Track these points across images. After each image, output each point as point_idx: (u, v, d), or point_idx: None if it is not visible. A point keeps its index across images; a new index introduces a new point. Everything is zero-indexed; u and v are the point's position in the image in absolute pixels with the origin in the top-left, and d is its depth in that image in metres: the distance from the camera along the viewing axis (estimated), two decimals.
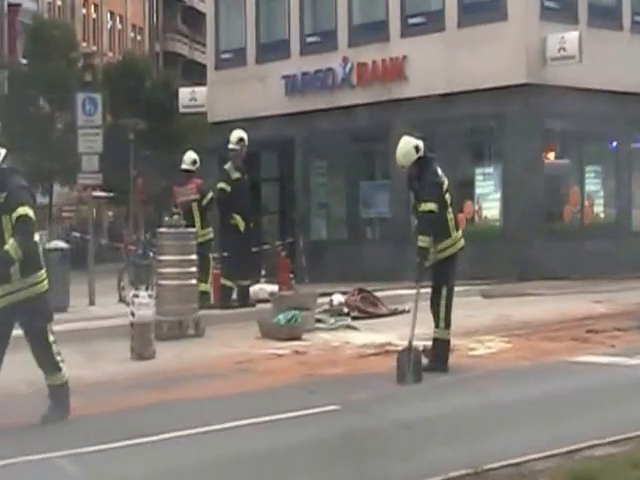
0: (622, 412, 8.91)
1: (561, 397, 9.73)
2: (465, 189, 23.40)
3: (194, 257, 15.18)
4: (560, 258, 22.14)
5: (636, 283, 20.60)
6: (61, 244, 18.97)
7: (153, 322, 13.32)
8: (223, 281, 17.05)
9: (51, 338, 9.10)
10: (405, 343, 10.86)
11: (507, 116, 23.19)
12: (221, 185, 17.22)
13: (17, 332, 9.19)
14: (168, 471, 7.53)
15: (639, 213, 25.72)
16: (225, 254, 17.21)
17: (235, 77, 28.37)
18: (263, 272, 20.42)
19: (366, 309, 16.78)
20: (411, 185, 11.38)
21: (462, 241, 11.42)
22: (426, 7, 25.41)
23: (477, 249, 18.36)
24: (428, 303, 11.20)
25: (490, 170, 24.11)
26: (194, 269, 15.14)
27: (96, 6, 57.03)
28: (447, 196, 11.23)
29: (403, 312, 16.18)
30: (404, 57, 24.80)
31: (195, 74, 50.23)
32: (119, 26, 59.73)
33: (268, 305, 16.27)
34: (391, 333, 13.96)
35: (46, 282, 9.09)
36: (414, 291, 11.04)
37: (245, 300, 17.08)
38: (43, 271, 9.09)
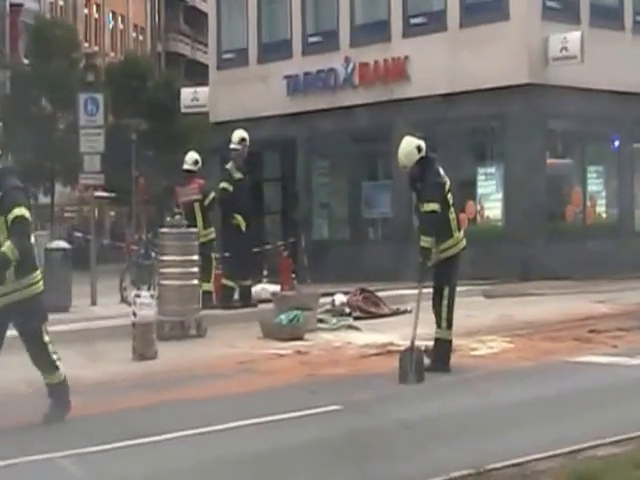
0: (624, 412, 8.91)
1: (563, 397, 9.73)
2: (467, 189, 23.38)
3: (196, 257, 15.17)
4: (562, 258, 22.10)
5: (638, 283, 20.57)
6: (63, 244, 18.99)
7: (155, 322, 13.29)
8: (224, 281, 17.03)
9: (46, 338, 9.02)
10: (407, 343, 10.87)
11: (509, 116, 23.17)
12: (223, 185, 17.20)
13: (16, 333, 9.18)
14: (170, 471, 7.53)
15: None
16: (227, 254, 17.21)
17: (237, 77, 28.36)
18: (265, 272, 20.39)
19: (368, 309, 16.77)
20: (413, 185, 11.37)
21: (464, 241, 11.41)
22: (428, 7, 25.40)
23: (479, 249, 18.34)
24: (430, 303, 11.20)
25: (492, 170, 24.10)
26: (196, 269, 15.12)
27: (98, 6, 57.06)
28: (449, 196, 11.21)
29: (405, 312, 16.18)
30: (406, 57, 24.79)
31: (197, 74, 50.31)
32: (121, 26, 59.77)
33: (270, 305, 16.27)
34: (393, 333, 13.94)
35: (41, 283, 9.03)
36: (416, 291, 11.06)
37: (247, 300, 17.08)
38: (38, 272, 9.05)
